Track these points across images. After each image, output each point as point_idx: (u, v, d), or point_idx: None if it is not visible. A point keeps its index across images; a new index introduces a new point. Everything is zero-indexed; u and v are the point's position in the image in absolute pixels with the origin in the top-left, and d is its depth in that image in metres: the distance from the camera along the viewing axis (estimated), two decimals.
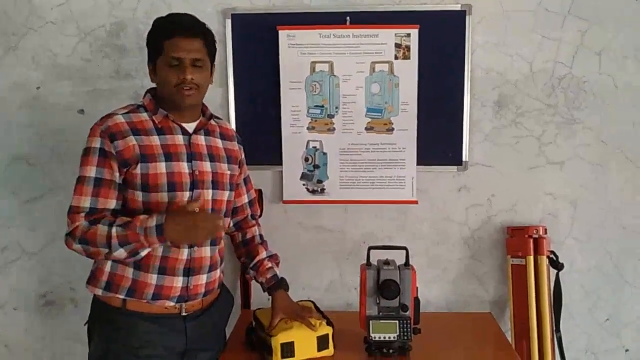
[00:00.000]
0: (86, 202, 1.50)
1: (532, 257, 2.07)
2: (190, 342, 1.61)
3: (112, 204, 1.52)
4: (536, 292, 2.06)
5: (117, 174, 1.51)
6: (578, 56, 2.07)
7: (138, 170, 1.51)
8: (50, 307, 2.28)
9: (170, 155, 1.54)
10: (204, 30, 1.57)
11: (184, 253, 1.56)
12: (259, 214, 1.92)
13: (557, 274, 2.10)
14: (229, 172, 1.67)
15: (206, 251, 1.61)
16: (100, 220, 1.49)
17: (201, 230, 1.47)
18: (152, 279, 1.54)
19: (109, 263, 1.55)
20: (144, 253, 1.50)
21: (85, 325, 1.65)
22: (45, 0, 2.11)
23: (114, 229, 1.45)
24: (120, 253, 1.46)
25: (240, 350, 1.77)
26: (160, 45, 1.53)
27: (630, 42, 2.06)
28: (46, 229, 2.22)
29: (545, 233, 2.10)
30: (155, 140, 1.54)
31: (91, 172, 1.50)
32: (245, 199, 1.83)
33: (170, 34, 1.52)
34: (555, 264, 2.09)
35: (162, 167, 1.52)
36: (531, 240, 2.08)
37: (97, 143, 1.51)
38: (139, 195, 1.52)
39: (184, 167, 1.55)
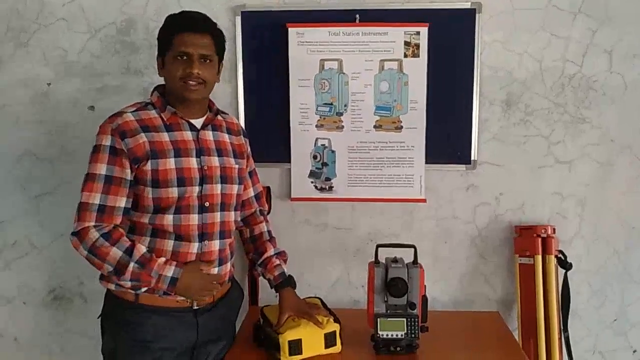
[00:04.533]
0: (96, 199, 1.51)
1: (540, 257, 2.06)
2: (201, 336, 1.64)
3: (122, 202, 1.54)
4: (544, 292, 2.05)
5: (129, 171, 1.53)
6: (588, 55, 2.06)
7: (148, 166, 1.52)
8: (59, 301, 2.30)
9: (179, 151, 1.56)
10: (214, 28, 1.61)
11: (195, 247, 1.59)
12: (267, 209, 1.93)
13: (565, 274, 2.09)
14: (237, 166, 1.69)
15: (216, 245, 1.63)
16: (113, 235, 1.51)
17: (207, 292, 1.61)
18: None
19: None
20: (142, 290, 1.56)
21: (98, 318, 1.67)
22: None
23: (132, 265, 1.49)
24: (126, 283, 1.54)
25: (248, 347, 1.78)
26: (170, 39, 1.55)
27: None
28: (55, 224, 2.23)
29: (554, 232, 2.09)
30: (165, 136, 1.56)
31: (102, 169, 1.51)
32: (251, 192, 1.84)
33: (181, 29, 1.54)
34: (564, 264, 2.08)
35: (171, 162, 1.54)
36: (539, 240, 2.07)
37: (107, 141, 1.52)
38: (149, 192, 1.54)
39: (193, 162, 1.58)
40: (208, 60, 1.57)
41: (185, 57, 1.54)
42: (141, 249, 1.53)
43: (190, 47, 1.53)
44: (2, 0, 2.12)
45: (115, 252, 1.49)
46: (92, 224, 1.51)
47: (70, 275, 2.27)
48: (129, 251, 1.51)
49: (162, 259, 1.54)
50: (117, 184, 1.52)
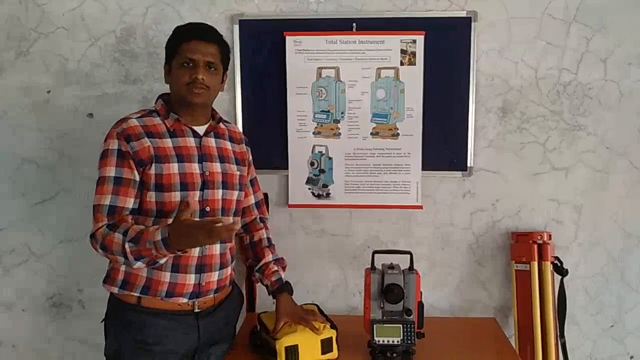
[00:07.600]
0: (106, 200, 1.54)
1: (536, 263, 2.07)
2: (202, 338, 1.66)
3: (131, 202, 1.56)
4: (540, 298, 2.06)
5: (136, 173, 1.56)
6: (583, 63, 2.08)
7: (152, 170, 1.56)
8: (57, 308, 2.30)
9: (182, 157, 1.60)
10: (221, 38, 1.66)
11: (196, 251, 1.61)
12: (267, 217, 1.94)
13: (562, 280, 2.10)
14: (238, 173, 1.72)
15: (217, 249, 1.65)
16: (117, 222, 1.53)
17: (202, 236, 1.38)
18: (166, 276, 1.59)
19: None
20: (162, 261, 1.53)
21: (101, 322, 1.69)
22: (56, 6, 2.14)
23: (127, 245, 1.47)
24: (140, 265, 1.51)
25: (245, 353, 1.78)
26: (177, 47, 1.60)
27: (634, 48, 2.06)
28: (54, 231, 2.25)
29: (550, 239, 2.10)
30: (168, 142, 1.60)
31: (110, 172, 1.55)
32: (252, 199, 1.86)
33: (188, 37, 1.60)
34: (560, 270, 2.09)
35: (174, 167, 1.58)
36: (535, 246, 2.08)
37: (114, 145, 1.56)
38: (152, 196, 1.57)
39: (195, 167, 1.61)
40: (213, 68, 1.61)
41: (191, 64, 1.58)
42: (137, 227, 1.49)
43: (196, 54, 1.57)
44: (2, 8, 2.15)
45: (117, 238, 1.48)
46: (105, 223, 1.53)
47: (69, 282, 2.28)
48: (125, 232, 1.48)
49: (154, 227, 1.48)
50: (126, 185, 1.55)
